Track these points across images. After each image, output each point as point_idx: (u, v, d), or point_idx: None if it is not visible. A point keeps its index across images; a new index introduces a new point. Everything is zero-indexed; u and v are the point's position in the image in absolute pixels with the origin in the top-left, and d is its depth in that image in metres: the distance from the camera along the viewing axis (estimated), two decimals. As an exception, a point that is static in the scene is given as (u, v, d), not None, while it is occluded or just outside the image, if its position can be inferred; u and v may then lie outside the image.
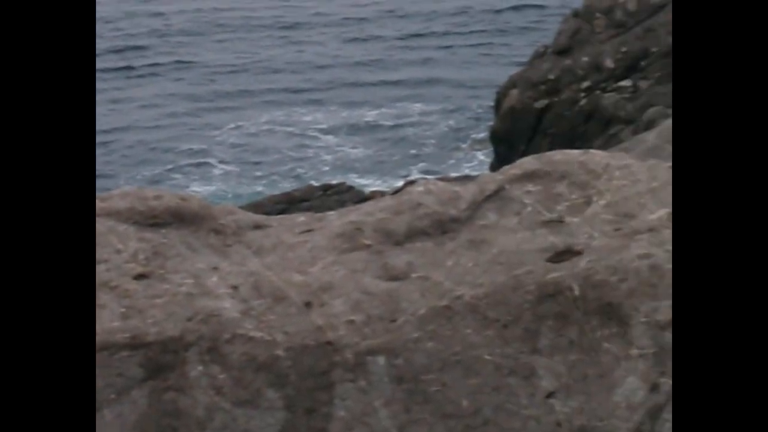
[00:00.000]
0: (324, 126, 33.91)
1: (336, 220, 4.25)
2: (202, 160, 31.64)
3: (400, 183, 24.04)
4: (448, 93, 35.94)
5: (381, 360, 3.68)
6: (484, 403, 3.65)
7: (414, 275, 3.90)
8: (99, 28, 38.51)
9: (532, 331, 3.75)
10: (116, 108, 35.95)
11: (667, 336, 3.64)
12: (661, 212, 4.01)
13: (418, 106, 34.94)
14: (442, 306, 3.78)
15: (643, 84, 21.93)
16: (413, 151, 31.13)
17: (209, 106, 36.38)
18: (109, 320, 3.64)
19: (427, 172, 28.20)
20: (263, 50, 43.03)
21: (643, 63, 22.20)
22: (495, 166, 21.93)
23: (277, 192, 25.23)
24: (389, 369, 3.67)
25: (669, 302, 3.65)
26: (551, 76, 22.83)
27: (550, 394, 3.68)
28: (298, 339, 3.69)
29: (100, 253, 3.83)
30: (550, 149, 4.87)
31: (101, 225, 3.94)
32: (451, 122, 32.89)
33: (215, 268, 3.92)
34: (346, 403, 3.63)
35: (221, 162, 31.37)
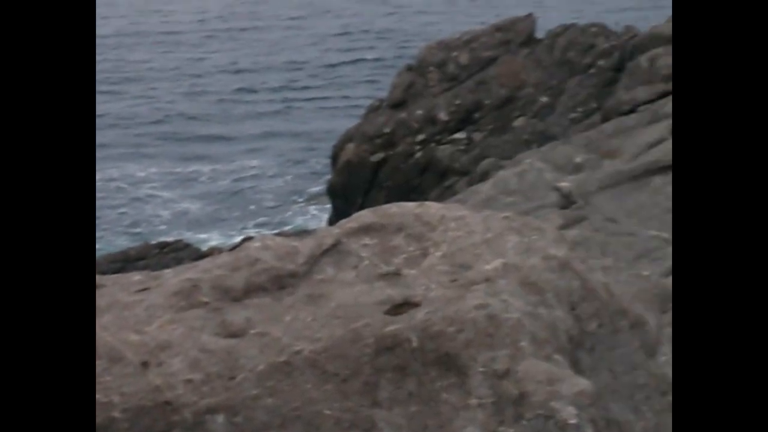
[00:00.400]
0: (159, 182, 33.50)
1: (173, 278, 4.18)
2: (33, 219, 30.74)
3: (238, 239, 23.89)
4: (285, 148, 36.02)
5: (220, 418, 3.62)
6: (326, 459, 3.62)
7: (252, 331, 3.86)
8: None
9: (372, 384, 3.75)
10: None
11: (505, 385, 3.69)
12: (496, 262, 4.07)
13: (254, 161, 34.87)
14: (281, 362, 3.74)
15: (476, 136, 22.39)
16: (251, 207, 31.00)
17: (40, 163, 35.42)
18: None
19: (264, 227, 28.12)
20: (96, 105, 42.37)
21: (476, 115, 22.68)
22: (332, 220, 22.01)
23: (112, 251, 24.75)
24: (229, 427, 3.62)
25: (506, 351, 3.70)
26: (386, 130, 23.10)
27: (391, 447, 3.67)
28: (135, 400, 3.60)
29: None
30: (387, 202, 4.91)
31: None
32: (288, 177, 32.92)
33: (47, 330, 3.80)
34: (185, 463, 3.56)
35: (54, 220, 30.54)
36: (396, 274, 4.08)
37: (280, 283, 4.08)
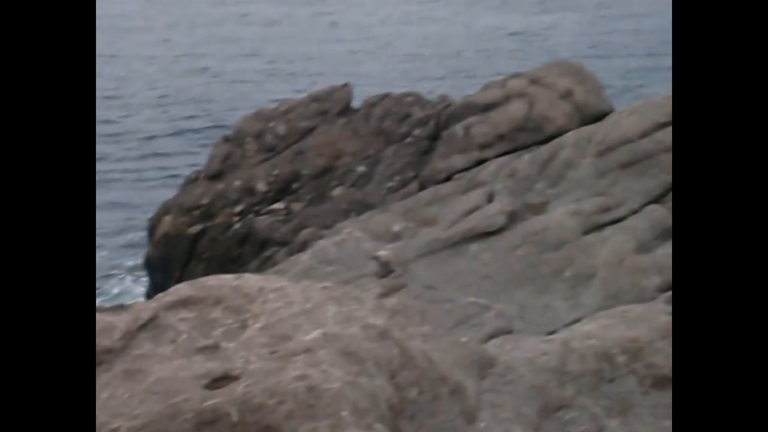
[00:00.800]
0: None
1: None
2: None
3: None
4: (102, 220, 35.31)
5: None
6: None
7: (67, 411, 3.74)
8: None
9: (192, 461, 3.68)
10: None
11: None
12: (316, 333, 4.07)
13: (70, 234, 34.01)
14: (97, 441, 3.64)
15: (295, 206, 22.42)
16: (66, 281, 30.15)
17: None
18: None
19: (80, 301, 27.35)
20: None
21: (294, 185, 22.74)
22: (150, 294, 21.60)
23: None
24: None
25: (327, 422, 3.69)
26: (204, 201, 22.91)
27: None
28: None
29: None
30: (206, 274, 4.87)
31: None
32: (105, 252, 32.21)
33: None
34: None
35: None
36: (215, 348, 4.04)
37: (96, 360, 3.98)
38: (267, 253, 21.34)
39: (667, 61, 49.42)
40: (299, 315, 4.20)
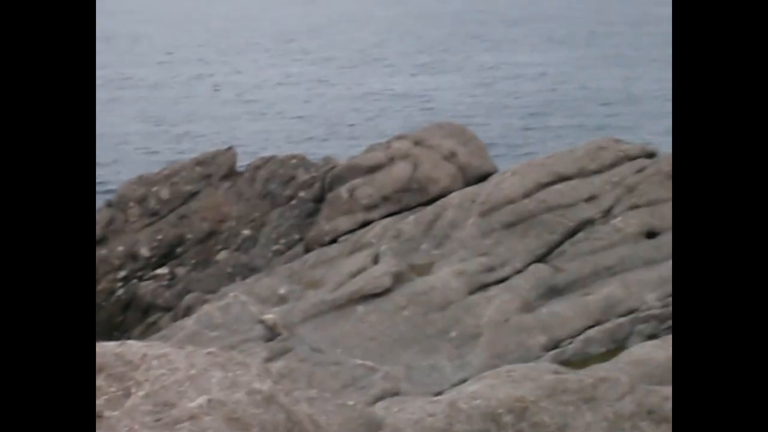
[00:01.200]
0: None
1: None
2: None
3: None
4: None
5: None
6: None
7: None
8: None
9: None
10: None
11: None
12: (201, 399, 4.02)
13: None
14: None
15: (180, 270, 22.19)
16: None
17: None
18: None
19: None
20: None
21: (178, 250, 22.51)
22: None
23: None
24: None
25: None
26: (87, 266, 22.53)
27: None
28: None
29: None
30: (87, 342, 4.77)
31: None
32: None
33: None
34: None
35: None
36: (98, 417, 3.95)
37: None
38: (151, 319, 21.04)
39: (549, 121, 50.52)
40: (183, 381, 4.14)
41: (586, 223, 17.95)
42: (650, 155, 19.91)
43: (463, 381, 11.42)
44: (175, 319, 18.74)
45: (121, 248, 22.63)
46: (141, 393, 4.08)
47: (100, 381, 4.13)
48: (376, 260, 17.61)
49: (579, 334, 15.78)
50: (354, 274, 17.09)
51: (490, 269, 16.85)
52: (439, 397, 8.53)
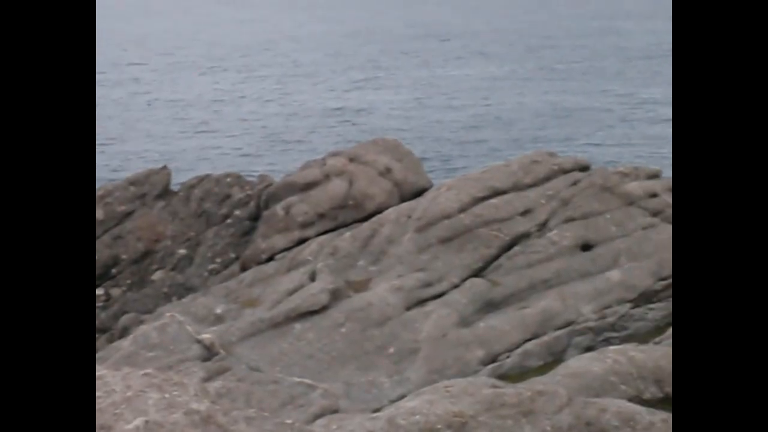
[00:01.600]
0: None
1: None
2: None
3: None
4: None
5: None
6: None
7: None
8: None
9: None
10: None
11: None
12: (138, 421, 3.99)
13: None
14: None
15: (115, 291, 21.98)
16: None
17: None
18: None
19: None
20: None
21: (113, 270, 22.31)
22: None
23: None
24: None
25: None
26: (20, 289, 22.23)
27: None
28: None
29: None
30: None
31: None
32: None
33: None
34: None
35: None
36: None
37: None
38: (86, 341, 20.79)
39: (483, 135, 50.86)
40: (120, 403, 4.10)
41: (522, 237, 18.08)
42: (584, 168, 20.13)
43: (402, 397, 11.44)
44: (111, 340, 18.54)
45: (54, 270, 22.36)
46: (76, 416, 4.03)
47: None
48: (313, 278, 17.58)
49: (516, 348, 15.88)
50: (291, 292, 17.05)
51: (428, 284, 16.90)
52: (378, 414, 8.53)
